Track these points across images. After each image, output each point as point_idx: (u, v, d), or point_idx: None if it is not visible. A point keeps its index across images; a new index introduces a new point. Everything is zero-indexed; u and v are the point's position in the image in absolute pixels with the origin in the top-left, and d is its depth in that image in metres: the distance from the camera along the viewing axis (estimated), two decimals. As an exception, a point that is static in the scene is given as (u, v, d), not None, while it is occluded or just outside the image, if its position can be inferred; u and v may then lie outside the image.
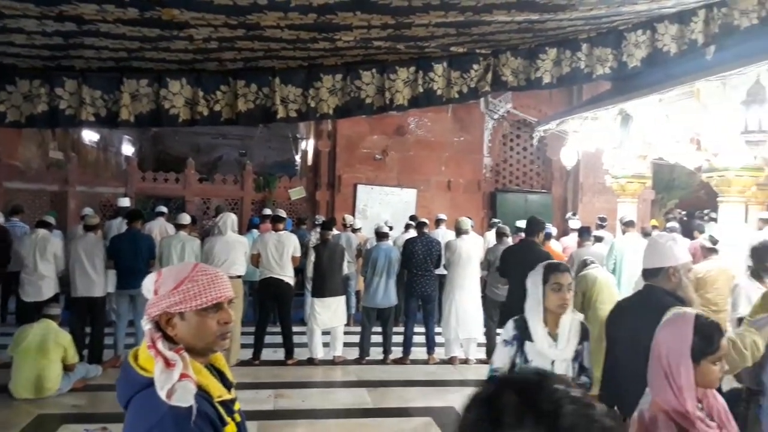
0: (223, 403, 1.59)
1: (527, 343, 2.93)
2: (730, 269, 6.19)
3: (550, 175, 14.19)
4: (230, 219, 7.19)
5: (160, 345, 1.52)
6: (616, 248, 7.32)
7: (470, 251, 7.53)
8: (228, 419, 1.58)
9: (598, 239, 8.95)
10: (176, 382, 1.45)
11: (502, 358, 3.04)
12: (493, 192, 14.00)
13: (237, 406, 1.68)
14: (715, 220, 8.41)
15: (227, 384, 1.68)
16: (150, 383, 1.48)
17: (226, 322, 1.62)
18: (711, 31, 3.84)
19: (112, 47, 3.27)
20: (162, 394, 1.44)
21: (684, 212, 14.77)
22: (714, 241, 6.17)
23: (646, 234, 8.96)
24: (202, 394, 1.53)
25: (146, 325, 1.58)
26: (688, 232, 11.00)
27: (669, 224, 11.22)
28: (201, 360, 1.61)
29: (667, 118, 7.74)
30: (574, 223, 9.94)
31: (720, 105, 6.71)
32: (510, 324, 3.01)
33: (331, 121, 12.73)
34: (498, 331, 7.65)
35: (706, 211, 12.65)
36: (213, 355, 1.69)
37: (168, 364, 1.48)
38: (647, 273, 2.99)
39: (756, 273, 4.52)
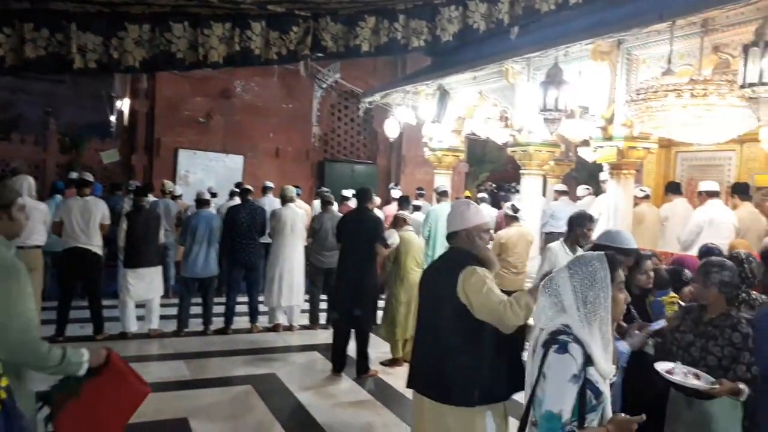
0: None
1: (589, 369, 2.00)
2: (528, 234, 6.86)
3: (376, 147, 14.56)
4: (27, 182, 6.43)
5: None
6: (431, 216, 7.74)
7: (295, 219, 7.51)
8: None
9: (417, 208, 9.43)
10: None
11: (568, 400, 1.95)
12: (322, 161, 14.06)
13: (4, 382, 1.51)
14: (519, 191, 9.21)
15: None
16: None
17: None
18: (515, 12, 4.13)
19: None
20: None
21: (494, 185, 16.05)
22: (515, 210, 6.77)
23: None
24: None
25: None
26: (496, 202, 12.02)
27: (480, 195, 12.13)
28: None
29: (481, 96, 8.28)
30: (396, 193, 10.33)
31: (524, 84, 7.33)
32: (575, 350, 1.97)
33: (147, 80, 11.87)
34: (322, 297, 7.83)
35: (513, 184, 13.86)
36: None
37: None
38: (449, 237, 3.18)
39: (569, 240, 5.01)
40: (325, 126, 14.14)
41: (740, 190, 6.63)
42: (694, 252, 5.29)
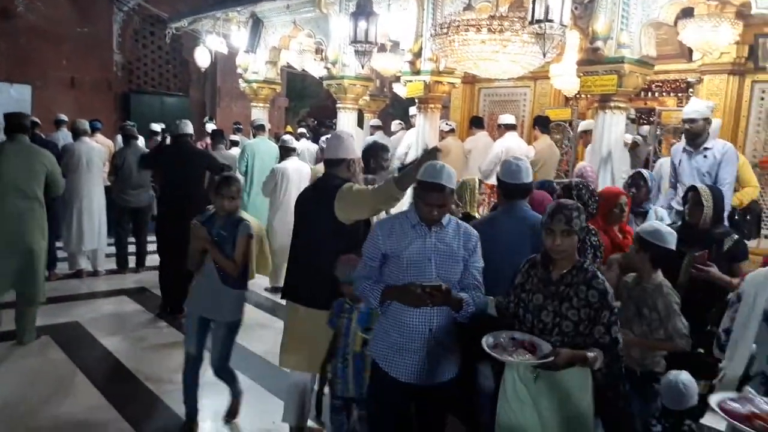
0: None
1: None
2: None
3: (188, 78, 13.69)
4: None
5: None
6: (247, 151, 7.50)
7: (90, 155, 6.84)
8: None
9: (234, 143, 9.12)
10: None
11: None
12: (127, 93, 12.92)
13: None
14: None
15: None
16: None
17: None
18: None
19: None
20: None
21: (315, 120, 16.02)
22: (331, 143, 6.80)
23: (278, 138, 9.40)
24: None
25: None
26: (316, 138, 12.01)
27: (300, 130, 12.05)
28: None
29: (295, 26, 8.06)
30: (211, 127, 9.87)
31: (338, 16, 7.25)
32: None
33: None
34: (130, 239, 7.32)
35: (334, 120, 13.93)
36: None
37: None
38: (329, 163, 3.26)
39: (368, 171, 5.07)
40: (128, 54, 12.94)
41: (541, 123, 7.23)
42: (492, 180, 5.73)
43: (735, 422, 1.78)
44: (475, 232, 2.63)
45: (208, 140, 9.33)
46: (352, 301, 3.03)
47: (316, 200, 3.20)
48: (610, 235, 3.69)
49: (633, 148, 7.34)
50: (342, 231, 3.12)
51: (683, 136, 5.03)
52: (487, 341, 2.35)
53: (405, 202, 3.32)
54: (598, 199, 3.67)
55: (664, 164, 5.60)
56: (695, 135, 4.72)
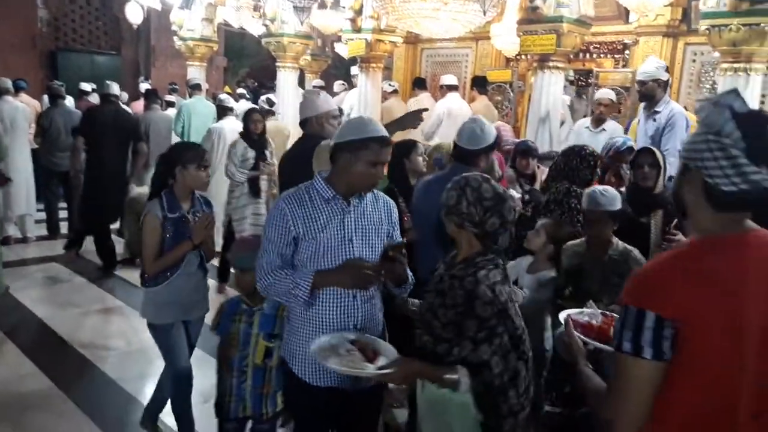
0: None
1: None
2: (285, 129, 6.82)
3: (119, 36, 13.04)
4: None
5: None
6: (183, 111, 7.25)
7: (14, 115, 6.46)
8: None
9: (170, 104, 8.79)
10: None
11: None
12: (53, 51, 12.21)
13: None
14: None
15: None
16: None
17: None
18: None
19: None
20: None
21: (255, 82, 15.61)
22: (271, 104, 6.65)
23: (215, 99, 9.11)
24: None
25: None
26: (256, 100, 11.70)
27: (239, 91, 11.72)
28: None
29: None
30: (144, 87, 9.47)
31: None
32: None
33: None
34: (61, 204, 7.01)
35: (276, 82, 13.60)
36: None
37: None
38: (302, 124, 3.38)
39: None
40: (54, 9, 12.19)
41: (478, 84, 7.23)
42: (434, 142, 5.73)
43: (579, 334, 1.76)
44: (391, 200, 2.27)
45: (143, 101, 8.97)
46: (250, 299, 2.56)
47: (295, 163, 3.19)
48: None
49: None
50: None
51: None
52: (319, 343, 1.93)
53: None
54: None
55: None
56: (645, 97, 4.50)
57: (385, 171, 2.31)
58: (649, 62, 4.65)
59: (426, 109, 3.41)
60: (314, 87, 9.72)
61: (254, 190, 5.15)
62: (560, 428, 2.69)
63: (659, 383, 1.27)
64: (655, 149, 3.34)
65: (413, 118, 3.30)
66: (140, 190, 5.97)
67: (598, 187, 2.92)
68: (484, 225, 1.84)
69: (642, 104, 4.67)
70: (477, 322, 1.74)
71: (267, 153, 5.22)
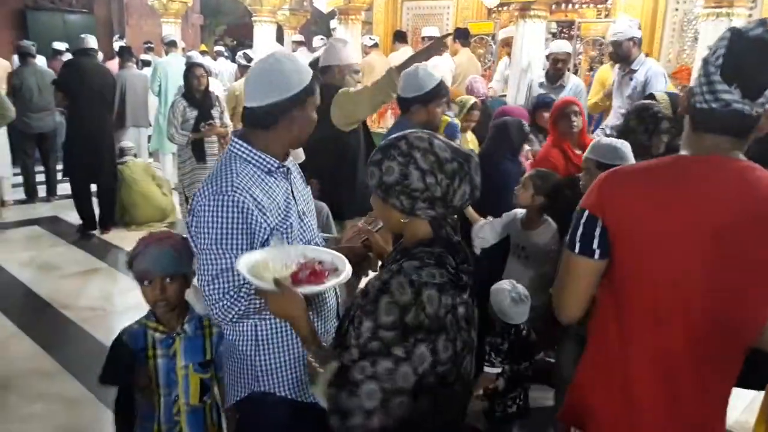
0: None
1: None
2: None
3: (92, -6, 12.65)
4: None
5: None
6: (159, 69, 7.09)
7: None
8: None
9: (146, 63, 8.59)
10: None
11: None
12: (22, 9, 11.82)
13: None
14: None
15: None
16: None
17: None
18: None
19: None
20: None
21: (234, 41, 15.24)
22: (248, 59, 6.51)
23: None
24: None
25: None
26: (235, 57, 11.46)
27: (217, 48, 11.47)
28: None
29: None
30: (118, 45, 9.21)
31: None
32: None
33: None
34: (39, 168, 6.87)
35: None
36: None
37: None
38: (322, 71, 3.22)
39: None
40: (21, -35, 11.75)
41: (460, 36, 7.11)
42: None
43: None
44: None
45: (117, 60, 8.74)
46: (164, 321, 1.87)
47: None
48: (563, 149, 3.33)
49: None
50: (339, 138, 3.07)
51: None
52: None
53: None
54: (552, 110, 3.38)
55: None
56: (621, 58, 4.32)
57: None
58: (621, 21, 4.49)
59: (450, 34, 3.35)
60: (294, 42, 9.54)
61: (199, 154, 4.79)
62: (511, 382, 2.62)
63: (595, 279, 1.31)
64: (659, 95, 3.01)
65: (438, 44, 3.25)
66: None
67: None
68: (451, 200, 1.27)
69: (616, 64, 4.48)
70: (372, 327, 1.18)
71: (214, 112, 4.89)
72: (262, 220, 1.55)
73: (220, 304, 1.53)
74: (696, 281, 1.22)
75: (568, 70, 4.85)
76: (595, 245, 1.28)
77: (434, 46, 3.21)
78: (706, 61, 1.22)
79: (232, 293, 1.53)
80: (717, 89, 1.20)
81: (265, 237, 1.56)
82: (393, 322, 1.16)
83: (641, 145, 2.61)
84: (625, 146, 2.49)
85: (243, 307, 1.54)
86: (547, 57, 4.90)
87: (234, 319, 1.57)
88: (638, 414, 1.29)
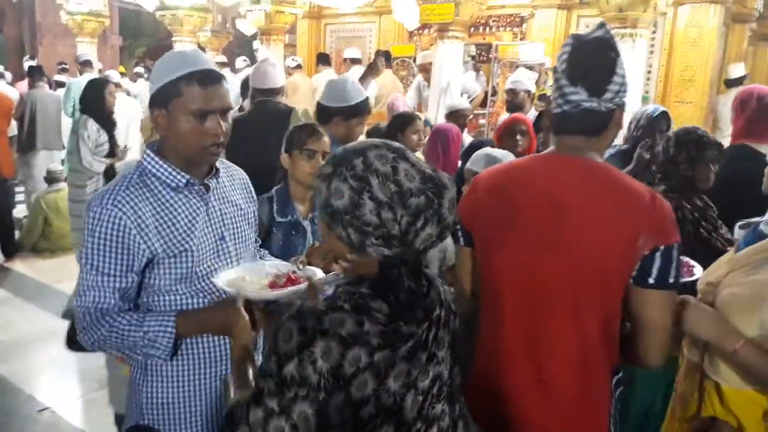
0: None
1: None
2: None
3: (2, 13, 12.09)
4: None
5: None
6: (73, 89, 6.82)
7: None
8: None
9: (60, 84, 8.25)
10: None
11: None
12: None
13: None
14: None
15: None
16: None
17: None
18: None
19: None
20: None
21: (153, 62, 14.91)
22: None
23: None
24: None
25: None
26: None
27: (137, 69, 11.18)
28: None
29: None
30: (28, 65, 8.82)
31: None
32: None
33: None
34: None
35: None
36: None
37: None
38: (271, 92, 3.17)
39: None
40: None
41: (383, 58, 7.22)
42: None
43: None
44: (244, 172, 1.70)
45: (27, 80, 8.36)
46: None
47: (263, 126, 3.03)
48: None
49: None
50: None
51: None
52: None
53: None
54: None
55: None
56: (516, 107, 4.28)
57: None
58: (520, 72, 4.64)
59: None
60: (217, 63, 9.38)
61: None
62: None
63: (470, 264, 1.51)
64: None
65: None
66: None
67: None
68: (411, 242, 1.01)
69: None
70: (274, 365, 1.00)
71: (117, 134, 4.47)
72: (141, 242, 1.36)
73: (81, 324, 1.37)
74: (521, 262, 1.33)
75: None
76: (458, 235, 1.51)
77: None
78: (555, 69, 1.30)
79: (92, 313, 1.36)
80: (565, 92, 1.27)
81: (144, 260, 1.38)
82: (272, 370, 0.99)
83: (683, 177, 2.21)
84: (505, 156, 2.34)
85: (103, 336, 1.36)
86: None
87: (94, 346, 1.39)
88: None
